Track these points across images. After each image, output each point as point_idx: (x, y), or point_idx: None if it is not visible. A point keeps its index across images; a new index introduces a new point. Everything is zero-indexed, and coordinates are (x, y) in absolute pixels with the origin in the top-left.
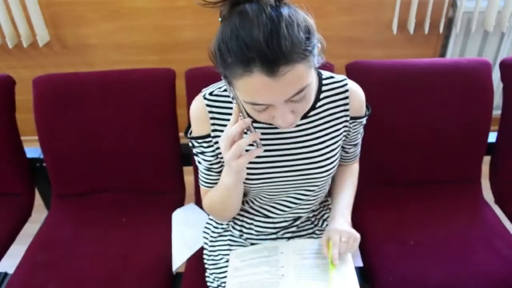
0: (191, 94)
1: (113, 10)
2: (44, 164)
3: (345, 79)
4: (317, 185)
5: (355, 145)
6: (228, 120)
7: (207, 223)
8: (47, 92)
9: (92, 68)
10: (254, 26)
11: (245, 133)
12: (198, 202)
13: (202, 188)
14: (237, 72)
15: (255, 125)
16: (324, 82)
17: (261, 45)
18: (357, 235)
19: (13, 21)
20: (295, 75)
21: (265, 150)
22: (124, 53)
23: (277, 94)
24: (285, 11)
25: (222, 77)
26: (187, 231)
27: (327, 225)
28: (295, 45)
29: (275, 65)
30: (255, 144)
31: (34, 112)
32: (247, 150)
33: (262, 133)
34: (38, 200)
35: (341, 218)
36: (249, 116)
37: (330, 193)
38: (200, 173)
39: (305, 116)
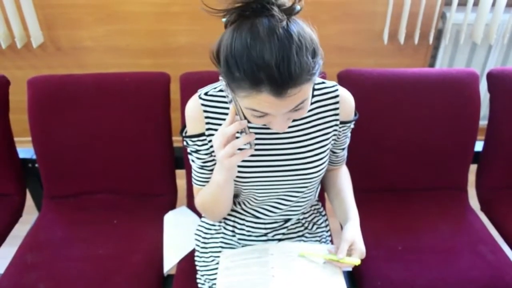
0: (185, 98)
1: (108, 13)
2: (36, 165)
3: (336, 85)
4: (306, 186)
5: (344, 149)
6: (223, 119)
7: (199, 225)
8: (41, 93)
9: (85, 70)
10: (266, 49)
11: (239, 132)
12: (190, 205)
13: (194, 186)
14: (244, 87)
15: (248, 124)
16: (316, 87)
17: (272, 69)
18: (363, 251)
19: (7, 21)
20: (300, 94)
21: (257, 150)
22: (118, 56)
23: (281, 109)
24: (294, 31)
25: (220, 77)
26: (178, 234)
27: (317, 228)
28: (303, 70)
29: (284, 88)
30: (247, 144)
31: (28, 113)
32: (239, 149)
33: (254, 133)
34: (28, 201)
35: (356, 220)
36: (245, 118)
37: (329, 196)
38: (193, 171)
39: (296, 119)
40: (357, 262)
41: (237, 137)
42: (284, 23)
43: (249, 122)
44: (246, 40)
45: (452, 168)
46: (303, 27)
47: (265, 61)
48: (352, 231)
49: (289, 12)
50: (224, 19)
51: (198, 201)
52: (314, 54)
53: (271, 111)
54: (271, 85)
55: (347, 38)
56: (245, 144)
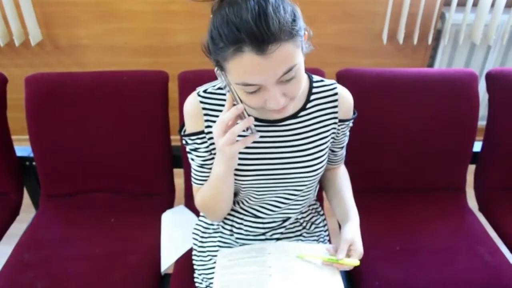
0: (184, 97)
1: (107, 12)
2: (34, 163)
3: (335, 83)
4: (305, 185)
5: (342, 147)
6: None
7: (197, 224)
8: (39, 91)
9: (83, 69)
10: (243, 10)
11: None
12: (188, 204)
13: (194, 186)
14: (229, 53)
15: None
16: (314, 85)
17: (250, 25)
18: (361, 251)
19: (6, 19)
20: (283, 53)
21: (256, 147)
22: (116, 55)
23: (267, 72)
24: None
25: (214, 68)
26: (176, 233)
27: (315, 227)
28: (282, 25)
29: (264, 43)
30: (249, 130)
31: (26, 111)
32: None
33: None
34: (26, 199)
35: (356, 220)
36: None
37: (328, 195)
38: (192, 171)
39: (295, 116)
40: (357, 263)
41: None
42: None
43: (249, 112)
44: (225, 10)
45: (450, 169)
46: None
47: (243, 19)
48: (352, 231)
49: None
50: (211, 15)
51: (198, 200)
52: (293, 15)
53: (259, 76)
54: (251, 42)
55: (346, 37)
56: (248, 132)
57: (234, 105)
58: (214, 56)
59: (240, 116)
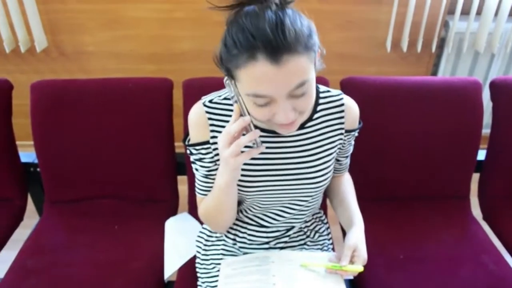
0: (188, 104)
1: (112, 19)
2: (38, 169)
3: (341, 94)
4: (311, 196)
5: (347, 156)
6: None
7: (201, 231)
8: (44, 98)
9: (88, 75)
10: (260, 19)
11: (244, 135)
12: (191, 211)
13: (198, 196)
14: (242, 60)
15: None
16: (321, 95)
17: (266, 33)
18: (365, 258)
19: (12, 26)
20: (297, 65)
21: (262, 158)
22: (121, 61)
23: (280, 84)
24: (289, 11)
25: (225, 79)
26: (180, 240)
27: (319, 236)
28: (298, 36)
29: (279, 52)
30: (254, 143)
31: (31, 117)
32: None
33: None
34: (29, 205)
35: (360, 226)
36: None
37: (333, 203)
38: (196, 181)
39: (302, 127)
40: (360, 269)
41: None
42: (278, 1)
43: (255, 127)
44: (242, 20)
45: (454, 177)
46: (299, 13)
47: (259, 28)
48: (355, 237)
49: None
50: (226, 26)
51: (201, 211)
52: (309, 30)
53: (271, 87)
54: (266, 49)
55: (350, 46)
56: (253, 145)
57: (241, 115)
58: (226, 64)
59: (246, 128)
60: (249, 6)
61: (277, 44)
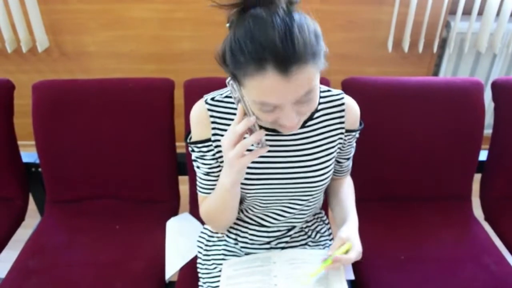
0: (189, 104)
1: (113, 19)
2: (40, 169)
3: (342, 93)
4: (311, 195)
5: (348, 158)
6: (229, 125)
7: (202, 232)
8: (46, 98)
9: (89, 75)
10: (269, 27)
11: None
12: (193, 212)
13: (199, 195)
14: (250, 71)
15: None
16: (322, 94)
17: (276, 45)
18: (360, 250)
19: (14, 26)
20: (305, 76)
21: (262, 157)
22: (122, 62)
23: (288, 94)
24: (295, 13)
25: (228, 80)
26: (181, 240)
27: (320, 236)
28: (307, 46)
29: (289, 64)
30: (259, 143)
31: (33, 117)
32: (248, 150)
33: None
34: (31, 205)
35: (354, 222)
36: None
37: (331, 204)
38: (198, 179)
39: (302, 125)
40: (349, 246)
41: (245, 138)
42: (284, 6)
43: (259, 123)
44: (249, 24)
45: (456, 177)
46: (305, 15)
47: (268, 38)
48: (348, 231)
49: (290, 2)
50: (227, 24)
51: (203, 210)
52: (316, 35)
53: (279, 97)
54: (276, 61)
55: (352, 46)
56: (257, 145)
57: (245, 114)
58: (231, 68)
59: (250, 129)
60: (253, 7)
61: (287, 56)
